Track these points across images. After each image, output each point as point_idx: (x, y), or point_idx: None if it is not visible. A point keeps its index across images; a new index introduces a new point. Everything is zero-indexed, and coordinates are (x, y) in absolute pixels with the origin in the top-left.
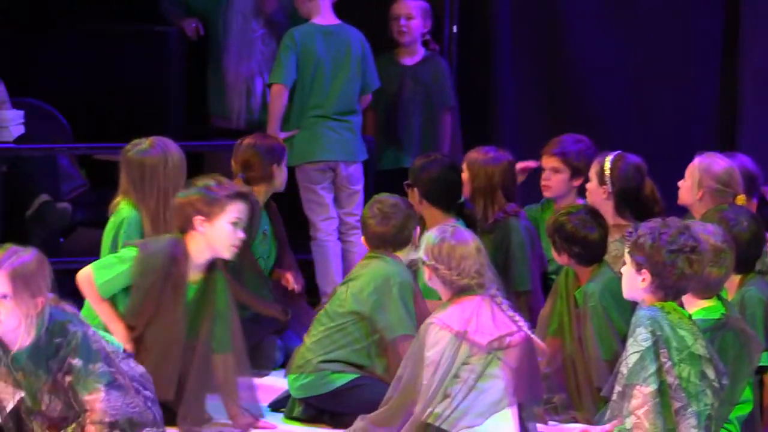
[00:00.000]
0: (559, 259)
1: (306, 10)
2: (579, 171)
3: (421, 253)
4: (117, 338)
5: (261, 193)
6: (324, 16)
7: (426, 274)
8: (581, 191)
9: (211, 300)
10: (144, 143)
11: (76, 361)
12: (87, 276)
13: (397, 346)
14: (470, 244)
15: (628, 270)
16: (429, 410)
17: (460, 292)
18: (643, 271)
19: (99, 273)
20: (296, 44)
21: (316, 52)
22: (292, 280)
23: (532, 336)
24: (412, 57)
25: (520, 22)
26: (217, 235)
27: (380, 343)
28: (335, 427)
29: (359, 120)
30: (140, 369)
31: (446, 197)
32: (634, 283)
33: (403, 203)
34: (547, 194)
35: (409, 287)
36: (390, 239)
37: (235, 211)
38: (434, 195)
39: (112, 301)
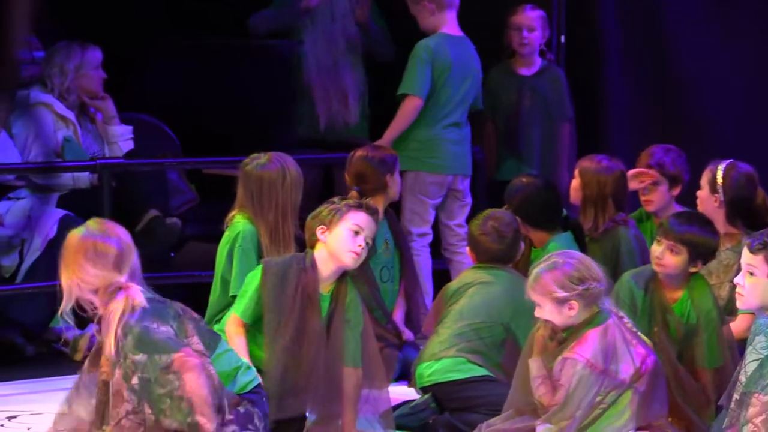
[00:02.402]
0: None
1: (432, 22)
2: (676, 180)
3: (557, 294)
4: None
5: (378, 203)
6: (451, 27)
7: (571, 310)
8: (678, 200)
9: (340, 310)
10: (262, 158)
11: (139, 357)
12: (231, 318)
13: None
14: (579, 253)
15: (758, 280)
16: None
17: (596, 311)
18: None
19: (238, 305)
20: (432, 55)
21: (449, 62)
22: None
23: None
24: (529, 68)
25: (627, 31)
26: (336, 242)
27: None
28: (450, 431)
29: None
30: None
31: (548, 218)
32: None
33: (514, 221)
34: (650, 209)
35: None
36: (502, 256)
37: (354, 218)
38: (536, 219)
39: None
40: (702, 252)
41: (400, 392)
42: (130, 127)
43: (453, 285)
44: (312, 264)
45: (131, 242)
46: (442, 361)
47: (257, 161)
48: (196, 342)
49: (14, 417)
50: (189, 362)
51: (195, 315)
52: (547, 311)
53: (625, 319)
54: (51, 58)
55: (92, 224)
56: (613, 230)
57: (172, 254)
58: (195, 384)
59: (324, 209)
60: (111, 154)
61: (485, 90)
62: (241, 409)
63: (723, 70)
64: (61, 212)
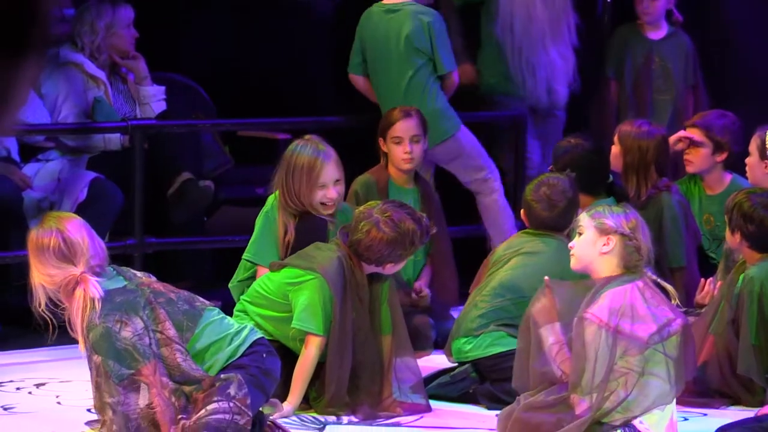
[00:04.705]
0: (731, 239)
1: None
2: (722, 146)
3: (606, 221)
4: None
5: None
6: None
7: (605, 245)
8: (728, 166)
9: (376, 293)
10: (301, 144)
11: (96, 358)
12: (315, 341)
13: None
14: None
15: None
16: (596, 408)
17: (625, 271)
18: None
19: (314, 323)
20: (361, 26)
21: (370, 32)
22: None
23: (688, 320)
24: (656, 32)
25: None
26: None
27: None
28: (491, 401)
29: (429, 102)
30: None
31: (593, 183)
32: None
33: (570, 189)
34: (689, 169)
35: None
36: (552, 224)
37: None
38: (580, 182)
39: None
40: (737, 221)
41: (439, 361)
42: (163, 88)
43: (500, 249)
44: (357, 264)
45: (85, 233)
46: (482, 337)
47: (297, 145)
48: (168, 327)
49: (42, 384)
50: (147, 379)
51: (171, 296)
52: (583, 238)
53: (658, 282)
54: (81, 16)
55: (45, 219)
56: (656, 197)
57: (205, 218)
58: (156, 400)
59: (389, 243)
60: (143, 115)
61: (612, 49)
62: (217, 384)
63: None
64: (91, 175)
